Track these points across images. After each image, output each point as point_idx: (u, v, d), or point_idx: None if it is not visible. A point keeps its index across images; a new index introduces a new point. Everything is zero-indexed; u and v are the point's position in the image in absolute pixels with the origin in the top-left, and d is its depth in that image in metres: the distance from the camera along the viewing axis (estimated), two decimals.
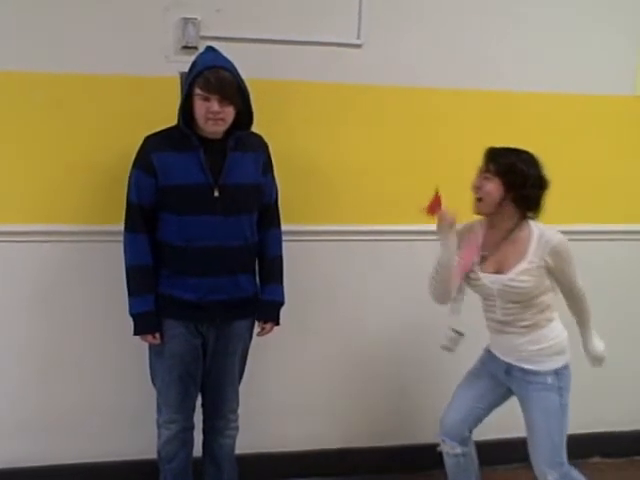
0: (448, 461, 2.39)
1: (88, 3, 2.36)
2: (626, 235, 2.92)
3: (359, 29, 2.55)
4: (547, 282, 2.17)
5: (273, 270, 2.37)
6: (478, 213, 2.23)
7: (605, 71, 2.77)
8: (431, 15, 2.60)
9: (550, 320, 2.21)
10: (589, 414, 2.96)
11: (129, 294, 2.24)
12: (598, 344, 2.30)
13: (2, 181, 2.44)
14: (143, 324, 2.25)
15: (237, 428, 2.47)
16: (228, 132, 2.19)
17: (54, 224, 2.47)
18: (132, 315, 2.25)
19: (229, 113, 2.13)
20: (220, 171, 2.17)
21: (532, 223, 2.18)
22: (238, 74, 2.15)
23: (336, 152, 2.63)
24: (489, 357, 2.34)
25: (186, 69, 2.26)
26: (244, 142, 2.22)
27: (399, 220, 2.68)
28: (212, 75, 2.08)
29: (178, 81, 2.36)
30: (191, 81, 2.11)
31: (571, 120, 2.77)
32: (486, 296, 2.24)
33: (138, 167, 2.20)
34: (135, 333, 2.26)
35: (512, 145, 2.18)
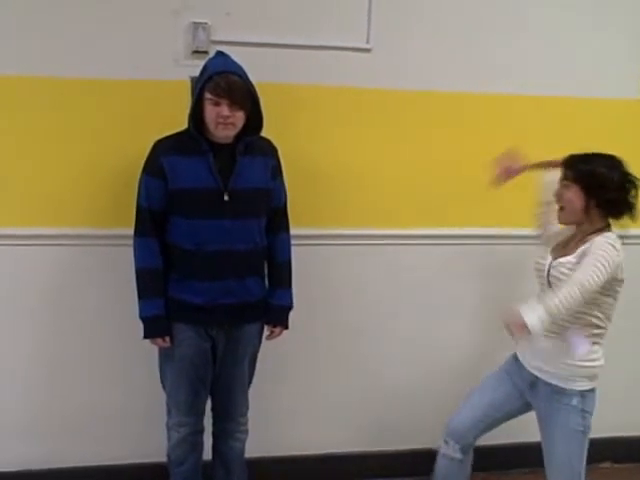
0: (442, 462, 2.34)
1: (98, 7, 2.37)
2: (629, 240, 2.89)
3: (368, 33, 2.55)
4: (596, 294, 2.02)
5: (282, 274, 2.37)
6: (562, 222, 2.18)
7: (608, 74, 2.75)
8: (440, 19, 2.60)
9: (593, 342, 2.11)
10: (600, 419, 2.93)
11: (139, 297, 2.25)
12: (530, 313, 1.90)
13: (11, 184, 2.45)
14: (153, 327, 2.25)
15: (247, 431, 2.47)
16: (238, 137, 2.19)
17: (62, 227, 2.48)
18: (142, 319, 2.25)
19: (239, 118, 2.13)
20: (230, 175, 2.17)
21: (610, 233, 2.08)
22: (248, 78, 2.15)
23: (346, 156, 2.63)
24: (515, 367, 2.27)
25: (196, 73, 2.27)
26: (254, 146, 2.23)
27: (409, 224, 2.69)
28: (222, 80, 2.08)
29: (188, 85, 2.37)
30: (201, 86, 2.11)
31: (575, 123, 2.75)
32: (540, 280, 2.20)
33: (148, 171, 2.21)
34: (145, 337, 2.26)
35: (594, 150, 2.13)
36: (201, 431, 2.42)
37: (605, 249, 2.00)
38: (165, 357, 2.34)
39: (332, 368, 2.80)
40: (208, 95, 2.10)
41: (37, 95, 2.40)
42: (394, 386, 2.85)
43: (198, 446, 2.42)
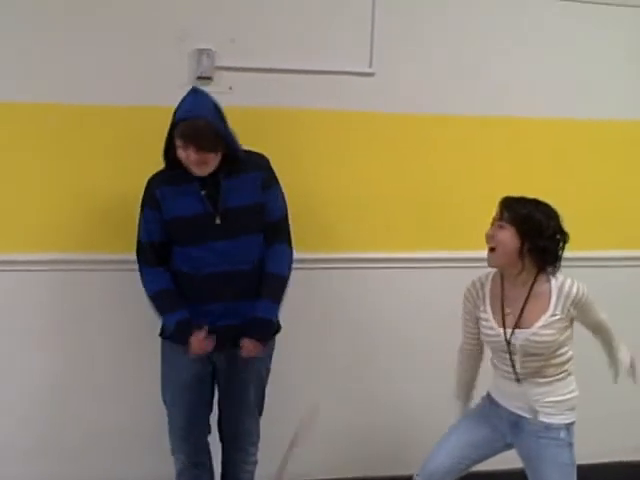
0: None
1: (103, 34, 2.40)
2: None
3: (371, 58, 2.57)
4: (569, 332, 2.07)
5: (269, 286, 2.24)
6: (491, 264, 2.09)
7: (610, 95, 2.76)
8: (441, 44, 2.63)
9: (569, 373, 2.11)
10: (600, 443, 2.92)
11: (161, 315, 2.22)
12: (626, 356, 2.19)
13: (19, 210, 2.46)
14: (184, 330, 2.18)
15: (255, 462, 2.42)
16: (223, 157, 2.17)
17: (68, 253, 2.49)
18: (170, 327, 2.20)
19: (210, 158, 2.11)
20: (219, 198, 2.17)
21: (563, 277, 2.06)
22: (217, 119, 2.11)
23: (349, 179, 2.64)
24: (493, 408, 2.19)
25: None
26: (240, 165, 2.19)
27: (412, 247, 2.69)
28: (187, 127, 2.06)
29: None
30: (170, 128, 2.11)
31: (578, 145, 2.78)
32: (502, 350, 2.11)
33: (145, 205, 2.22)
34: (180, 342, 2.18)
35: (529, 196, 2.08)
36: (202, 464, 2.38)
37: (588, 294, 2.05)
38: (164, 380, 2.33)
39: (340, 393, 2.78)
40: (177, 140, 2.10)
41: (43, 121, 2.42)
42: (400, 412, 2.83)
43: (201, 478, 2.39)
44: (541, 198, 2.07)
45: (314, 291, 2.65)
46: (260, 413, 2.40)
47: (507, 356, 2.10)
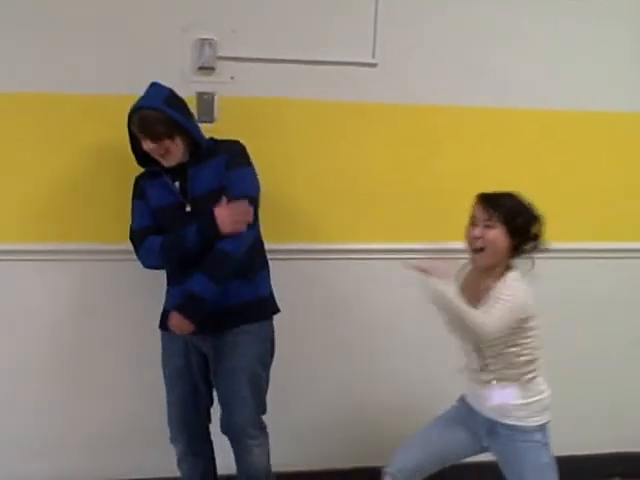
0: None
1: (105, 24, 2.40)
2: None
3: (374, 48, 2.56)
4: (515, 336, 1.99)
5: (207, 260, 2.12)
6: (480, 264, 2.04)
7: (610, 87, 2.75)
8: (443, 35, 2.61)
9: (536, 375, 2.06)
10: (609, 433, 2.93)
11: (180, 245, 2.15)
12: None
13: (9, 200, 2.47)
14: (209, 219, 2.13)
15: (260, 453, 2.36)
16: (192, 149, 2.20)
17: (66, 243, 2.50)
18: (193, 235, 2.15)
19: (169, 146, 2.14)
20: (187, 187, 2.20)
21: (513, 273, 2.00)
22: (171, 107, 2.11)
23: (351, 170, 2.63)
24: (469, 412, 2.16)
25: (203, 89, 2.26)
26: (207, 153, 2.21)
27: (411, 239, 2.66)
28: (136, 118, 2.11)
29: (195, 101, 2.40)
30: (128, 125, 2.16)
31: (580, 137, 2.76)
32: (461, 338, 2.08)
33: (134, 198, 2.28)
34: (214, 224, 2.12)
35: (505, 190, 2.04)
36: (199, 453, 2.39)
37: (518, 302, 1.95)
38: (162, 369, 2.35)
39: (336, 382, 2.79)
40: (136, 134, 2.15)
41: (45, 112, 2.42)
42: (383, 402, 2.83)
43: (198, 466, 2.40)
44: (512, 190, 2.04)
45: (309, 282, 2.65)
46: (263, 409, 2.36)
47: (465, 347, 2.09)
